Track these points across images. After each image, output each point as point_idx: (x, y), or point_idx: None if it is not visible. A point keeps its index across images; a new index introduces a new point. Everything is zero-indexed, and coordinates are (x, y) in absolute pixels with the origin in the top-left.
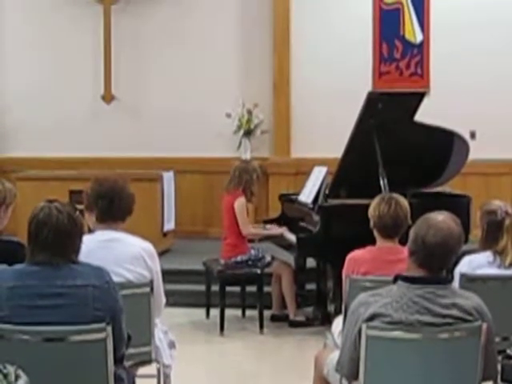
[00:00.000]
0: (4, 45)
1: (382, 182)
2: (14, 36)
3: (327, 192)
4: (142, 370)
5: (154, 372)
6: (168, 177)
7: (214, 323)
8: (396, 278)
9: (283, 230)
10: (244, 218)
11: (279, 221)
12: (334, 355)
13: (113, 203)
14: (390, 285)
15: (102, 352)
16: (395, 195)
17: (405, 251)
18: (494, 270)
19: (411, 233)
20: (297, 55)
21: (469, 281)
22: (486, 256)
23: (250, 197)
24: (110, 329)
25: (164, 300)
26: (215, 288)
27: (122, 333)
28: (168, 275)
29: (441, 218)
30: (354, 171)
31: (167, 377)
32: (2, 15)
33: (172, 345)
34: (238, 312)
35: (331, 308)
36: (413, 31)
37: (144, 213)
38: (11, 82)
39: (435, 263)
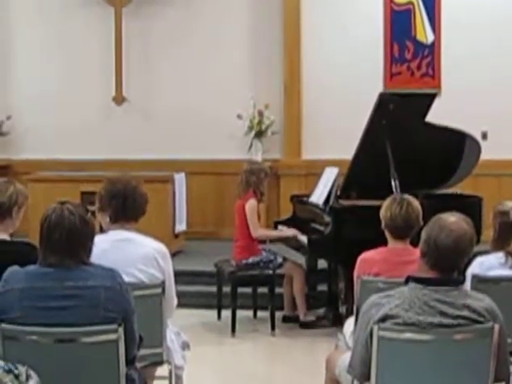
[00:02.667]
0: (16, 47)
1: (393, 183)
2: (26, 38)
3: (338, 193)
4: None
5: (166, 373)
6: (179, 178)
7: (225, 324)
8: (408, 279)
9: (296, 232)
10: (254, 220)
11: (290, 222)
12: (346, 356)
13: (126, 203)
14: (402, 286)
15: (113, 353)
16: (407, 196)
17: (416, 252)
18: (506, 271)
19: (423, 234)
20: (308, 56)
21: (480, 282)
22: (497, 257)
23: (261, 197)
24: (121, 330)
25: (176, 301)
26: (227, 289)
27: (133, 334)
28: (179, 276)
29: (453, 219)
30: (365, 172)
31: (179, 378)
32: (13, 17)
33: (186, 346)
34: (250, 313)
35: (342, 309)
36: (424, 32)
37: (156, 214)
38: (23, 85)
39: (447, 265)
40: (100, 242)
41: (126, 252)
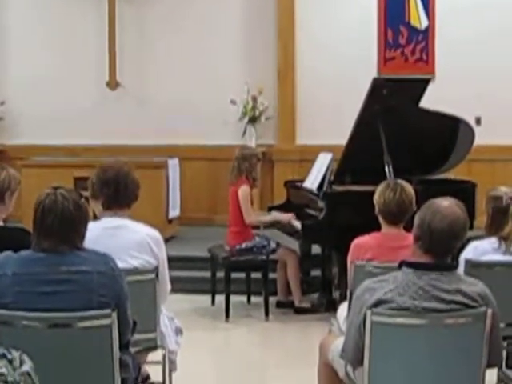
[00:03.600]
0: (9, 32)
1: (387, 169)
2: (19, 24)
3: (332, 178)
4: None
5: (160, 358)
6: (173, 164)
7: (219, 310)
8: (401, 264)
9: (291, 217)
10: (247, 206)
11: (284, 207)
12: (339, 341)
13: (118, 190)
14: (395, 271)
15: (107, 338)
16: (400, 181)
17: (410, 237)
18: (499, 256)
19: (416, 219)
20: (301, 41)
21: (474, 267)
22: (491, 242)
23: (254, 182)
24: (115, 315)
25: (169, 286)
26: (220, 275)
27: (127, 319)
28: (173, 262)
29: (446, 203)
30: (359, 158)
31: (172, 363)
32: (6, 3)
33: (179, 331)
34: (244, 298)
35: (336, 294)
36: (418, 17)
37: (149, 200)
38: (16, 70)
39: (441, 249)
40: (93, 228)
41: (120, 239)
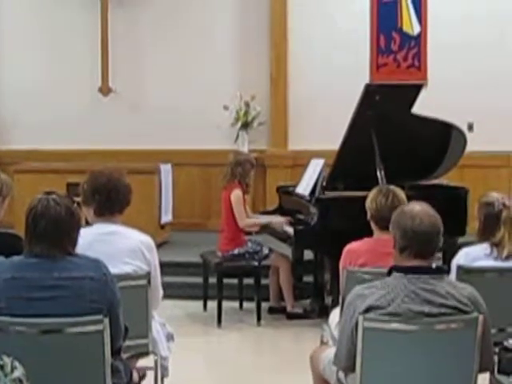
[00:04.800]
0: (1, 37)
1: (379, 174)
2: (12, 28)
3: (324, 184)
4: (139, 362)
5: (152, 364)
6: (166, 169)
7: (211, 315)
8: (390, 270)
9: (285, 220)
10: (240, 210)
11: (276, 213)
12: (330, 351)
13: (110, 196)
14: (386, 277)
15: (99, 344)
16: (392, 187)
17: None
18: (491, 262)
19: (396, 230)
20: (294, 47)
21: (466, 273)
22: (483, 248)
23: (246, 188)
24: (107, 321)
25: (161, 292)
26: (213, 280)
27: (119, 325)
28: (165, 267)
29: (416, 206)
30: (351, 163)
31: (165, 369)
32: (0, 8)
33: (170, 337)
34: (236, 304)
35: (328, 300)
36: (410, 23)
37: (141, 205)
38: (8, 75)
39: (430, 249)
40: (86, 235)
41: (112, 245)
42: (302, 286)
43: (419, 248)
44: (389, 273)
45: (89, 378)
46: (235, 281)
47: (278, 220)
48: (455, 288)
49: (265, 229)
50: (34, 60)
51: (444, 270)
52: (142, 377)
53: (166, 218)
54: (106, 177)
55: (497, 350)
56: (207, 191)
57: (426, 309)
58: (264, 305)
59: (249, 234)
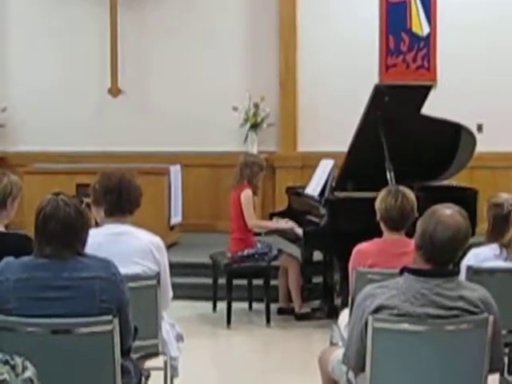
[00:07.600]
0: (11, 39)
1: (388, 175)
2: (20, 30)
3: (334, 185)
4: (149, 363)
5: (161, 364)
6: (175, 170)
7: (220, 316)
8: (402, 270)
9: (292, 225)
10: (250, 210)
11: (286, 214)
12: (338, 352)
13: (121, 197)
14: (397, 277)
15: (108, 344)
16: (402, 188)
17: (411, 244)
18: (500, 263)
19: (418, 227)
20: (303, 48)
21: (475, 274)
22: (492, 249)
23: (255, 190)
24: (116, 321)
25: (171, 293)
26: (222, 281)
27: (128, 325)
28: (175, 268)
29: (449, 212)
30: (360, 164)
31: (174, 369)
32: (8, 9)
33: (180, 338)
34: (245, 305)
35: (338, 301)
36: (420, 24)
37: (151, 206)
38: (18, 77)
39: (442, 259)
40: (96, 235)
41: (122, 245)
42: (312, 287)
43: (432, 254)
44: (401, 272)
45: (99, 379)
46: (245, 282)
47: (285, 226)
48: (466, 290)
49: (274, 231)
50: (43, 62)
51: (455, 273)
52: (147, 377)
53: (176, 219)
54: (118, 177)
55: (507, 350)
56: (216, 192)
57: (437, 312)
58: (273, 306)
59: (258, 234)
